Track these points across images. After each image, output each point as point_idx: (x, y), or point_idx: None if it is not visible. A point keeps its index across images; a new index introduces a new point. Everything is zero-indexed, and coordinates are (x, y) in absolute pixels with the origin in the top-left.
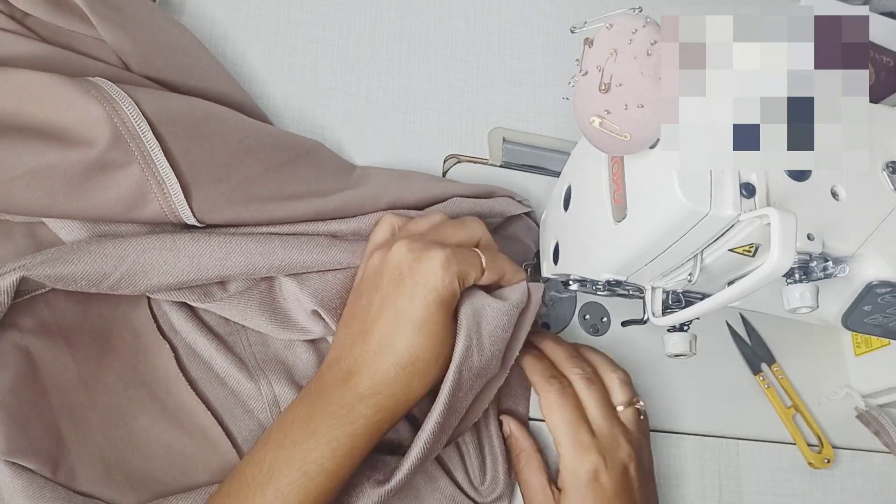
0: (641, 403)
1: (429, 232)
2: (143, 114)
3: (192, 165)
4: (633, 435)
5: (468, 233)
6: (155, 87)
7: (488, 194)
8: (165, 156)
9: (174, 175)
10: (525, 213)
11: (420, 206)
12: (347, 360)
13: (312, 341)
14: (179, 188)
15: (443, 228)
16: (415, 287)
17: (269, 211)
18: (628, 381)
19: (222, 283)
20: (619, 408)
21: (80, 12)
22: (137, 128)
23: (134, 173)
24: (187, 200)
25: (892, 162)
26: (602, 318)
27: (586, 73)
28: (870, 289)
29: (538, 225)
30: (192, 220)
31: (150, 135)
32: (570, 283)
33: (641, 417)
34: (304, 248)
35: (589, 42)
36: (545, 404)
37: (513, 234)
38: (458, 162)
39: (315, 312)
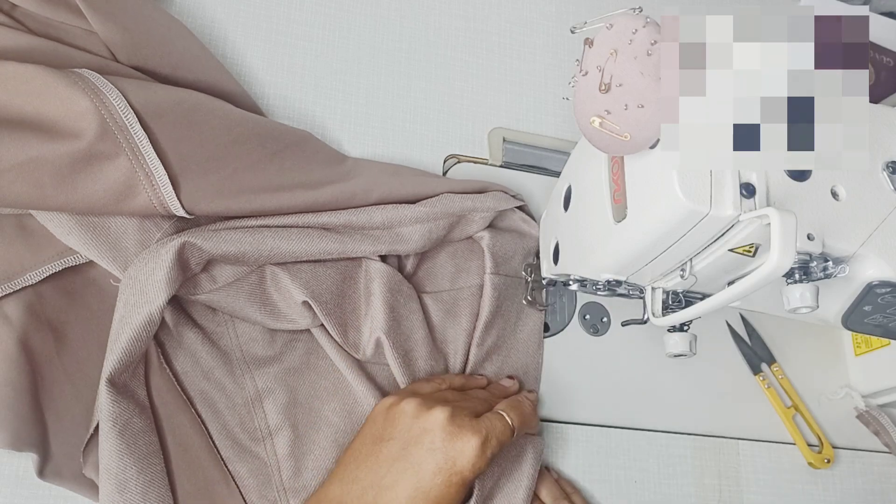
0: None
1: (466, 397)
2: (130, 105)
3: (180, 157)
4: None
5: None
6: (143, 78)
7: (480, 190)
8: (154, 147)
9: (162, 166)
10: (518, 207)
11: (411, 201)
12: None
13: (300, 336)
14: (168, 180)
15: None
16: (445, 463)
17: (258, 202)
18: None
19: (211, 275)
20: None
21: (68, 2)
22: (125, 119)
23: (122, 165)
24: (176, 192)
25: (892, 162)
26: (602, 318)
27: (586, 73)
28: (870, 289)
29: (533, 217)
30: (181, 212)
31: (137, 126)
32: (570, 283)
33: None
34: (294, 238)
35: (589, 42)
36: None
37: (509, 227)
38: (458, 162)
39: (305, 303)
